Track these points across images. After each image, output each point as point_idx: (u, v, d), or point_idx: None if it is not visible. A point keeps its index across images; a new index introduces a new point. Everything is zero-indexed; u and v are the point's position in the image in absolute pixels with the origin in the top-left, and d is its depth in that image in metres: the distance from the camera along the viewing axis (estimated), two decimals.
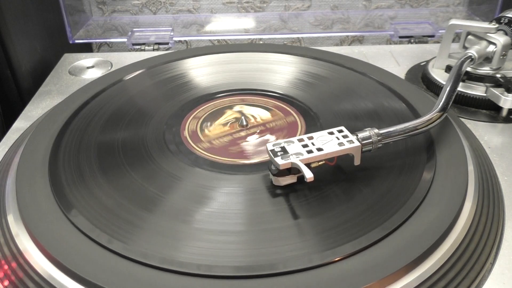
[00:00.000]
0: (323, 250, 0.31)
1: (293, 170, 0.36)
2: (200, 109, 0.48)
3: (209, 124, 0.45)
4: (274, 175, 0.36)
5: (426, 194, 0.35)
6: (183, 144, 0.42)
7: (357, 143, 0.36)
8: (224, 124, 0.45)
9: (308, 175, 0.33)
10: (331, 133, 0.38)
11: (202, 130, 0.45)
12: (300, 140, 0.37)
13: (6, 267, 0.32)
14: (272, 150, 0.36)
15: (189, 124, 0.45)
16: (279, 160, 0.35)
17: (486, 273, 0.32)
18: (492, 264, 0.33)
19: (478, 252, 0.33)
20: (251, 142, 0.43)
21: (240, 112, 0.47)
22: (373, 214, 0.33)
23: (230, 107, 0.48)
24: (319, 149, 0.36)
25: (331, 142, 0.36)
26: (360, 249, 0.31)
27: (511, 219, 0.37)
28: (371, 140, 0.37)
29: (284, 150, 0.36)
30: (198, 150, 0.42)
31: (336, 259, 0.30)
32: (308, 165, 0.35)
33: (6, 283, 0.31)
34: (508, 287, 0.32)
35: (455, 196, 0.35)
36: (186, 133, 0.44)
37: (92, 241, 0.32)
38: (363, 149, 0.37)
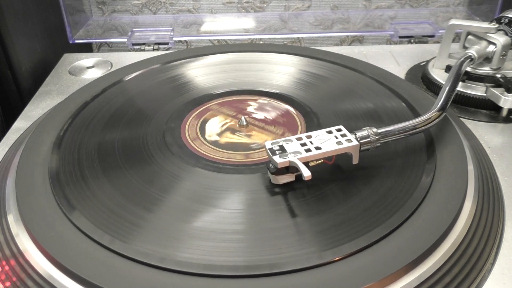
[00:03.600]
0: (323, 250, 0.31)
1: (291, 168, 0.36)
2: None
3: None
4: (272, 173, 0.36)
5: (426, 194, 0.35)
6: (183, 144, 0.42)
7: (355, 142, 0.36)
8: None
9: (306, 173, 0.33)
10: (330, 132, 0.38)
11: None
12: (299, 139, 0.37)
13: (6, 267, 0.32)
14: (271, 149, 0.36)
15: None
16: (277, 159, 0.35)
17: (486, 273, 0.32)
18: (492, 264, 0.33)
19: (478, 252, 0.33)
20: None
21: (240, 112, 0.47)
22: (373, 214, 0.33)
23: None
24: (317, 148, 0.36)
25: (329, 141, 0.36)
26: (360, 249, 0.31)
27: (511, 219, 0.37)
28: (369, 139, 0.37)
29: (282, 148, 0.36)
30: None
31: (336, 259, 0.30)
32: (306, 163, 0.35)
33: (6, 283, 0.31)
34: (508, 287, 0.32)
35: (455, 196, 0.35)
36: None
37: (92, 241, 0.32)
38: (361, 148, 0.37)
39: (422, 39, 0.71)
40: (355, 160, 0.37)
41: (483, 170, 0.40)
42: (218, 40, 0.85)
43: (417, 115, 0.44)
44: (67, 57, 0.66)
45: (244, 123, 0.45)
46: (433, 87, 0.55)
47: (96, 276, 0.29)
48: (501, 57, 0.51)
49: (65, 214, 0.34)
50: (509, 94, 0.48)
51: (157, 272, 0.29)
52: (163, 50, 0.68)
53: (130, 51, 0.70)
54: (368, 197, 0.35)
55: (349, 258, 0.30)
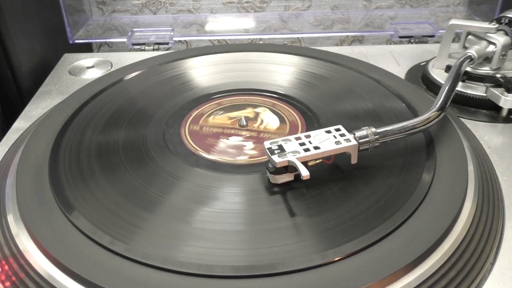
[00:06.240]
0: (323, 250, 0.31)
1: (290, 168, 0.36)
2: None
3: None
4: (271, 173, 0.36)
5: (426, 194, 0.35)
6: (183, 144, 0.42)
7: (354, 142, 0.36)
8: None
9: (304, 173, 0.33)
10: (329, 132, 0.38)
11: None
12: (297, 139, 0.37)
13: (6, 267, 0.32)
14: (269, 148, 0.36)
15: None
16: (276, 158, 0.35)
17: (486, 273, 0.32)
18: (492, 264, 0.33)
19: (478, 252, 0.33)
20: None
21: (240, 112, 0.47)
22: (373, 214, 0.33)
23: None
24: (316, 148, 0.36)
25: (328, 140, 0.37)
26: (360, 249, 0.31)
27: (511, 219, 0.37)
28: (368, 139, 0.37)
29: (281, 148, 0.36)
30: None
31: (336, 259, 0.30)
32: (305, 163, 0.35)
33: (6, 283, 0.31)
34: (508, 287, 0.32)
35: (455, 196, 0.35)
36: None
37: (92, 241, 0.32)
38: (360, 148, 0.37)
39: (422, 39, 0.71)
40: (354, 160, 0.37)
41: (483, 170, 0.40)
42: (218, 40, 0.85)
43: (417, 115, 0.44)
44: (67, 57, 0.66)
45: (244, 123, 0.45)
46: (433, 87, 0.55)
47: (96, 276, 0.29)
48: (501, 57, 0.51)
49: (64, 214, 0.34)
50: (509, 94, 0.48)
51: (157, 273, 0.29)
52: (163, 50, 0.68)
53: (130, 51, 0.70)
54: (368, 197, 0.35)
55: (349, 258, 0.30)
